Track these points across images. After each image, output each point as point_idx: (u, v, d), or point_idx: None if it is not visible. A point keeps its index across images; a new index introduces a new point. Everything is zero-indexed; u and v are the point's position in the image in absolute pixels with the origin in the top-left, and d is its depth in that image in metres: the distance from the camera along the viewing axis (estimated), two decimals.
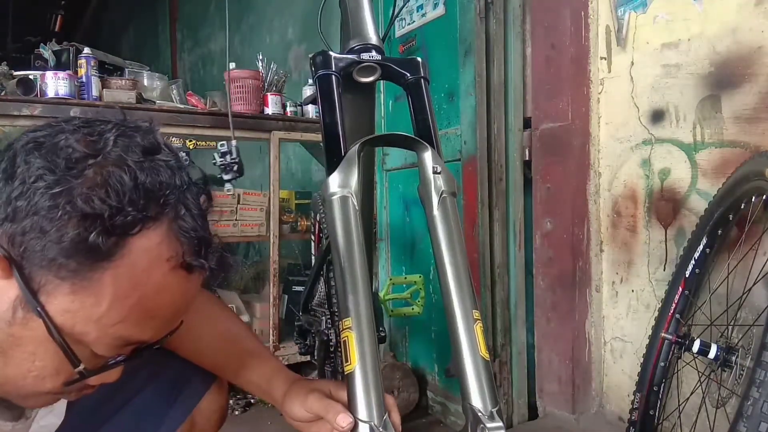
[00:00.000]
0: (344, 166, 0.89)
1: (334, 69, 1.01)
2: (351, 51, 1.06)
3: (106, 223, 0.56)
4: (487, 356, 0.82)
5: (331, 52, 1.03)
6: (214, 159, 2.22)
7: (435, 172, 0.93)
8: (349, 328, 0.79)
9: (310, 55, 1.03)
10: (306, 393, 0.81)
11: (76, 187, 0.56)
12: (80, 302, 0.58)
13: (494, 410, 0.78)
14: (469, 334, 0.83)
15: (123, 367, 0.67)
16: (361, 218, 0.88)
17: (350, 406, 0.76)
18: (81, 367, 0.61)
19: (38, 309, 0.57)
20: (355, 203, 0.88)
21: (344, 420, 0.74)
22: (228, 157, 2.21)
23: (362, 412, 0.75)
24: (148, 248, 0.58)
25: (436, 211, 0.92)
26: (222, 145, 2.22)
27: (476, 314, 0.84)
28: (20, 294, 0.58)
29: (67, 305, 0.58)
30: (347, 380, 0.77)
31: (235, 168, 2.22)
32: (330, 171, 0.90)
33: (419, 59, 1.07)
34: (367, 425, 0.74)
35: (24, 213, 0.56)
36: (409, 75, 1.06)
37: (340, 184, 0.88)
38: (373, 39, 1.09)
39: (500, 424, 0.77)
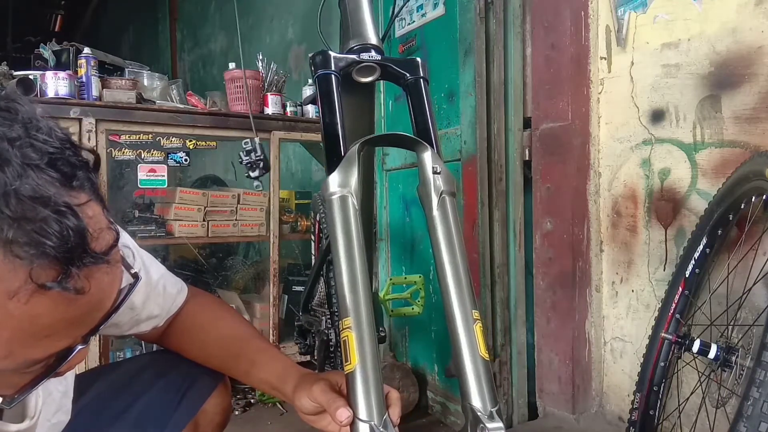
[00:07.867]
0: (344, 166, 0.89)
1: (333, 69, 1.01)
2: (350, 51, 1.06)
3: None
4: (486, 356, 0.82)
5: (330, 52, 1.03)
6: (240, 158, 2.23)
7: (435, 172, 0.93)
8: (349, 327, 0.79)
9: (310, 55, 1.03)
10: (312, 384, 0.81)
11: None
12: None
13: (494, 410, 0.78)
14: (469, 334, 0.83)
15: (85, 350, 0.57)
16: (361, 218, 0.88)
17: (351, 406, 0.76)
18: None
19: None
20: (355, 203, 0.88)
21: (343, 414, 0.74)
22: (253, 155, 2.22)
23: (362, 411, 0.75)
24: None
25: (435, 212, 0.91)
26: (246, 144, 2.22)
27: (476, 314, 0.84)
28: None
29: None
30: (347, 380, 0.77)
31: (261, 165, 2.22)
32: (330, 171, 0.90)
33: (419, 59, 1.07)
34: (367, 425, 0.74)
35: None
36: (408, 75, 1.06)
37: (340, 184, 0.88)
38: (373, 39, 1.09)
39: (500, 424, 0.77)
